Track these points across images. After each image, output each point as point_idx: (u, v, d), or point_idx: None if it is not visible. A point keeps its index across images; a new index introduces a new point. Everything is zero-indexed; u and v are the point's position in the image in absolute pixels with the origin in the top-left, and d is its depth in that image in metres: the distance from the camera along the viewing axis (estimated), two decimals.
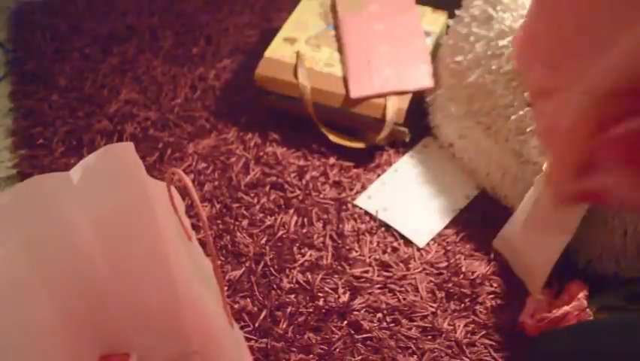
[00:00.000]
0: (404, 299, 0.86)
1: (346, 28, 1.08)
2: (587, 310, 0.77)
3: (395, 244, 0.92)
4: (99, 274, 0.68)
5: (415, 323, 0.84)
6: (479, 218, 0.95)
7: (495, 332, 0.83)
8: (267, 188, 0.99)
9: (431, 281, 0.88)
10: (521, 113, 0.85)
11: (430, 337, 0.83)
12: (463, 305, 0.85)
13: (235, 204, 0.97)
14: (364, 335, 0.83)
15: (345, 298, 0.86)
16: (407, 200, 0.98)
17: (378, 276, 0.88)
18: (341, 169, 1.02)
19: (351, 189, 0.99)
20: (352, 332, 0.83)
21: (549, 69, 0.53)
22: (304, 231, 0.93)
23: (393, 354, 0.81)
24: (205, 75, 1.16)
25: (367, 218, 0.95)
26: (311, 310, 0.85)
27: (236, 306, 0.85)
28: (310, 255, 0.91)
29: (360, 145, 1.02)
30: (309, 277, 0.88)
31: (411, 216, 0.95)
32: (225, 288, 0.87)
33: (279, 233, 0.93)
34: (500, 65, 0.88)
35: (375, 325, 0.84)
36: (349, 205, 0.97)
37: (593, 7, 0.48)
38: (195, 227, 0.91)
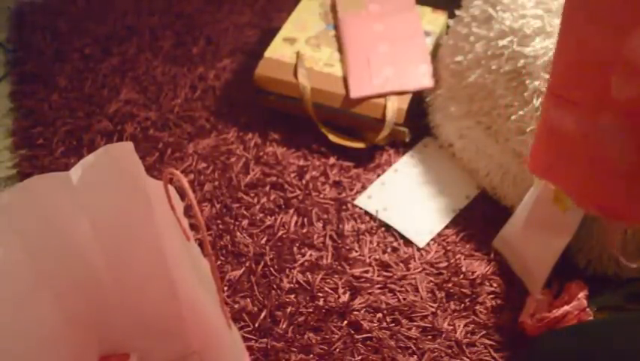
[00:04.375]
0: (404, 299, 0.86)
1: (346, 28, 1.08)
2: (587, 310, 0.77)
3: (395, 244, 0.92)
4: (98, 274, 0.68)
5: (415, 323, 0.84)
6: (479, 218, 0.95)
7: (495, 332, 0.83)
8: (267, 188, 0.99)
9: (431, 281, 0.88)
10: (521, 113, 0.85)
11: (430, 337, 0.83)
12: (463, 305, 0.85)
13: (235, 204, 0.97)
14: (364, 335, 0.83)
15: (345, 298, 0.86)
16: (407, 200, 0.98)
17: (378, 276, 0.88)
18: (341, 169, 1.02)
19: (351, 189, 0.99)
20: (352, 332, 0.83)
21: None
22: (304, 231, 0.93)
23: (393, 354, 0.81)
24: (205, 75, 1.16)
25: (367, 218, 0.95)
26: (311, 310, 0.85)
27: (236, 306, 0.85)
28: (310, 255, 0.91)
29: (360, 145, 1.02)
30: (309, 277, 0.88)
31: (411, 216, 0.95)
32: (225, 288, 0.87)
33: (279, 233, 0.93)
34: (500, 65, 0.88)
35: (375, 325, 0.84)
36: (349, 205, 0.97)
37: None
38: (194, 227, 0.91)
